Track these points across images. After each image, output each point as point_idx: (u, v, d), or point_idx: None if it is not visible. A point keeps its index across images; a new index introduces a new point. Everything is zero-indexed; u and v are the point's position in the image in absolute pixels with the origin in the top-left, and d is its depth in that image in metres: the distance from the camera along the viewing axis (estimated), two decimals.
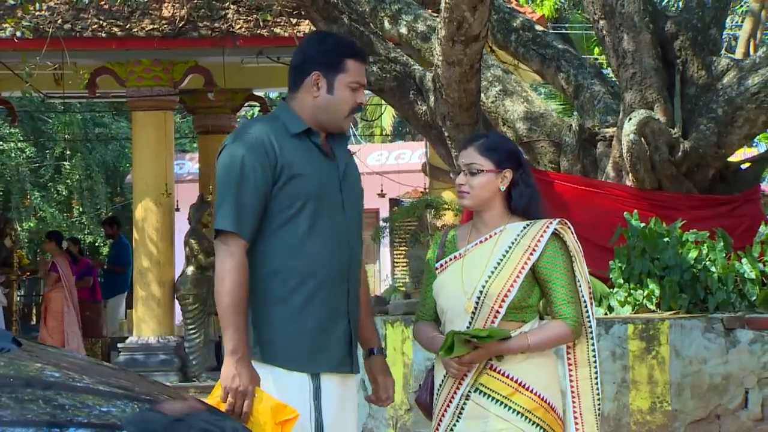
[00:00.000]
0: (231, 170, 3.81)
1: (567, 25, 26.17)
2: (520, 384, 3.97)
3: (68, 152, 24.23)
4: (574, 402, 4.03)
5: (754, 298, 6.70)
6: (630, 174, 7.49)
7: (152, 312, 13.18)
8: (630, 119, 7.28)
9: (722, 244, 6.84)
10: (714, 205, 7.75)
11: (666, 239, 6.86)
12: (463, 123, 7.47)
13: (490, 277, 3.99)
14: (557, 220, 4.03)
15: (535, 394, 3.97)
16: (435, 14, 8.52)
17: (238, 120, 17.53)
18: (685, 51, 7.81)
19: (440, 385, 4.10)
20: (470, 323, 4.01)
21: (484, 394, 3.99)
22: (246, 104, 16.47)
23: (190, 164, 23.69)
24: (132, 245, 14.15)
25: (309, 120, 3.94)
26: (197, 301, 13.18)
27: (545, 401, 3.97)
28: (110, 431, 2.34)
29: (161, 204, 13.15)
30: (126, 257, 16.04)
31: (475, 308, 4.01)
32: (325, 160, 3.94)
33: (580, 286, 4.02)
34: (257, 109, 18.18)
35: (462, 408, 4.02)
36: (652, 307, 6.73)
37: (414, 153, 22.42)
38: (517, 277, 3.98)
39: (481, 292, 4.00)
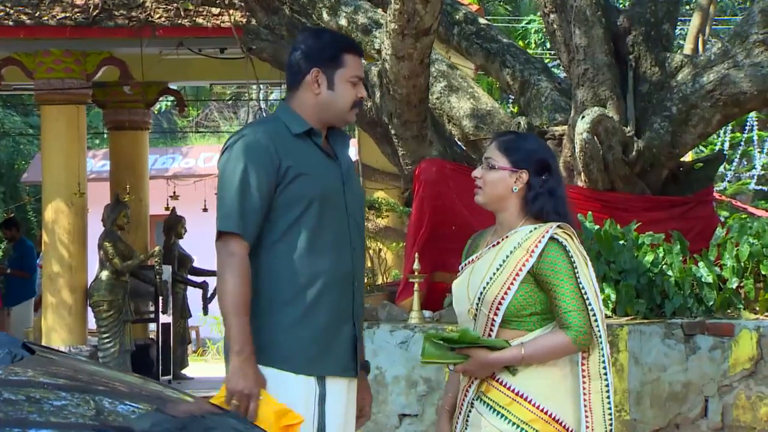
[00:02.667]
0: (234, 173, 3.93)
1: (489, 17, 26.45)
2: (518, 394, 4.02)
3: None
4: (586, 416, 4.04)
5: (711, 303, 6.85)
6: (582, 174, 7.61)
7: (63, 320, 13.01)
8: (583, 117, 7.39)
9: (679, 247, 6.98)
10: (667, 207, 7.89)
11: (621, 242, 6.97)
12: (411, 120, 7.53)
13: (488, 282, 4.05)
14: (557, 224, 4.07)
15: (534, 405, 4.01)
16: (375, 6, 8.58)
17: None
18: (637, 46, 7.95)
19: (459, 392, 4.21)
20: (474, 329, 4.09)
21: (485, 403, 4.07)
22: (160, 98, 16.37)
23: (93, 162, 23.45)
24: (41, 248, 13.99)
25: (311, 118, 4.05)
26: (112, 308, 13.05)
27: (546, 413, 4.00)
28: None
29: (73, 204, 12.98)
30: (31, 261, 15.83)
31: (476, 314, 4.08)
32: (327, 161, 4.06)
33: (586, 294, 4.02)
34: (172, 101, 18.16)
35: (468, 416, 4.11)
36: (608, 312, 6.84)
37: None
38: (512, 282, 4.02)
39: (479, 298, 4.06)
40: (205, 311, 15.29)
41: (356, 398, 4.18)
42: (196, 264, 15.33)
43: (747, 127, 20.74)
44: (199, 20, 12.56)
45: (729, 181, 20.89)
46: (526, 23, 26.83)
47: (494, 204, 4.15)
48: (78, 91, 13.14)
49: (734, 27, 8.15)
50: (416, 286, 6.86)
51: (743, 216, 9.40)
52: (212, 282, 15.05)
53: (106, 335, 13.06)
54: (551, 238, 4.03)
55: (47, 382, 2.73)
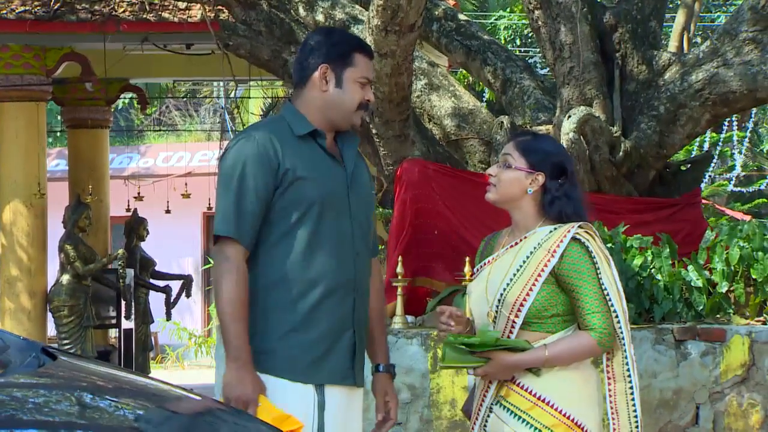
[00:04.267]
0: (232, 175, 3.94)
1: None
2: (539, 398, 4.04)
3: None
4: (613, 419, 4.10)
5: (701, 307, 6.90)
6: None
7: (22, 326, 12.90)
8: (569, 117, 7.44)
9: (668, 250, 7.03)
10: (654, 209, 7.95)
11: (609, 245, 7.02)
12: (393, 119, 7.55)
13: (509, 284, 4.08)
14: (578, 224, 4.09)
15: (556, 409, 4.03)
16: (352, 2, 8.59)
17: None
18: (624, 44, 8.01)
19: (475, 397, 4.23)
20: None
21: (505, 407, 4.09)
22: (121, 95, 16.30)
23: (47, 161, 23.29)
24: None
25: (316, 119, 4.04)
26: (73, 313, 12.96)
27: (568, 418, 4.03)
28: None
29: (32, 205, 12.90)
30: None
31: (495, 317, 4.11)
32: (332, 164, 4.04)
33: (608, 295, 4.06)
34: (132, 98, 18.06)
35: (486, 421, 4.14)
36: None
37: None
38: (534, 284, 4.04)
39: (499, 300, 4.09)
40: (168, 317, 15.24)
41: (380, 402, 4.21)
42: (158, 267, 15.27)
43: (725, 127, 20.86)
44: (165, 15, 12.53)
45: (705, 183, 21.01)
46: (495, 19, 26.85)
47: (506, 203, 4.18)
48: (38, 87, 13.07)
49: (723, 24, 8.23)
50: (399, 290, 6.87)
51: (724, 218, 9.48)
52: (175, 286, 15.03)
53: (67, 341, 12.96)
54: (573, 239, 4.07)
55: (81, 386, 2.79)
